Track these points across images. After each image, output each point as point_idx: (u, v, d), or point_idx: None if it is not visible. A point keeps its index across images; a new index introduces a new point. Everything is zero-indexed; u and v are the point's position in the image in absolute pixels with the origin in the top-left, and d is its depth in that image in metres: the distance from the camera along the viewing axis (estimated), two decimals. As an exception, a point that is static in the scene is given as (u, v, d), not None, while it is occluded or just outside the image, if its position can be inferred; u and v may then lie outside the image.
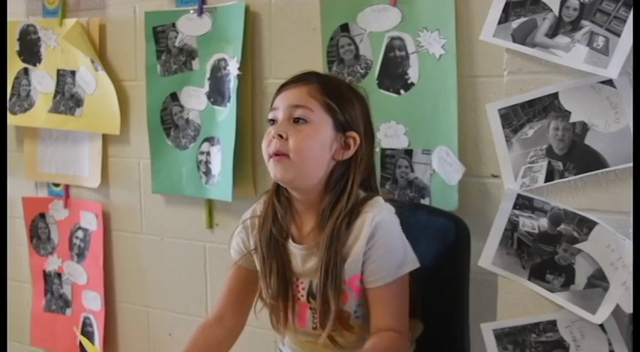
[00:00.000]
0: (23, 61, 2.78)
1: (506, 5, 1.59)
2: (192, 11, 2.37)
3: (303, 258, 1.66)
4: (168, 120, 2.47)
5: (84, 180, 2.74)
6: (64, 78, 2.68)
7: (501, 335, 1.66)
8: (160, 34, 2.45)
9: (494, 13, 1.61)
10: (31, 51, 2.76)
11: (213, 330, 1.75)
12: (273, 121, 1.65)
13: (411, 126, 2.02)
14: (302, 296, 1.67)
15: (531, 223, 1.60)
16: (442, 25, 1.94)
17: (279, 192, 1.71)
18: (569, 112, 1.54)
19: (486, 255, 1.66)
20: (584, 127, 1.53)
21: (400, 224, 1.64)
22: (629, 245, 1.46)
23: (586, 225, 1.53)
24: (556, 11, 1.53)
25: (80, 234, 2.77)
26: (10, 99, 2.81)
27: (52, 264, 2.86)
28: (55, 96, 2.71)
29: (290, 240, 1.68)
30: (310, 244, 1.65)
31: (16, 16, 2.79)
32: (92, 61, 2.59)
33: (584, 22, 1.50)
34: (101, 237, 2.71)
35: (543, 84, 1.56)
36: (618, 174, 1.50)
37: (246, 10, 2.25)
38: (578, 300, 1.55)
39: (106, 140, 2.67)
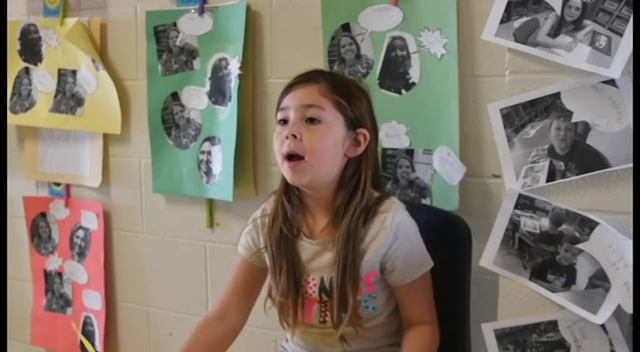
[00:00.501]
0: (24, 60, 2.78)
1: (508, 4, 1.59)
2: (193, 10, 2.37)
3: (316, 254, 1.68)
4: (169, 120, 2.47)
5: (85, 179, 2.74)
6: (65, 77, 2.68)
7: (502, 335, 1.66)
8: (161, 33, 2.44)
9: (496, 13, 1.61)
10: (32, 50, 2.76)
11: (215, 326, 1.76)
12: (283, 121, 1.66)
13: (412, 126, 2.02)
14: (313, 292, 1.69)
15: (533, 223, 1.60)
16: (444, 24, 1.94)
17: (288, 190, 1.72)
18: (571, 112, 1.54)
19: (487, 254, 1.66)
20: (586, 127, 1.52)
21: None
22: (630, 245, 1.46)
23: (587, 225, 1.53)
24: (558, 11, 1.53)
25: (81, 233, 2.77)
26: (11, 98, 2.81)
27: (53, 263, 2.86)
28: (56, 96, 2.71)
29: (302, 236, 1.70)
30: (324, 240, 1.67)
31: (17, 16, 2.79)
32: (93, 61, 2.59)
33: (586, 22, 1.50)
34: (102, 236, 2.71)
35: (545, 83, 1.56)
36: (620, 175, 1.50)
37: (247, 9, 2.25)
38: (580, 300, 1.54)
39: (107, 139, 2.67)
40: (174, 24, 2.41)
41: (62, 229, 2.83)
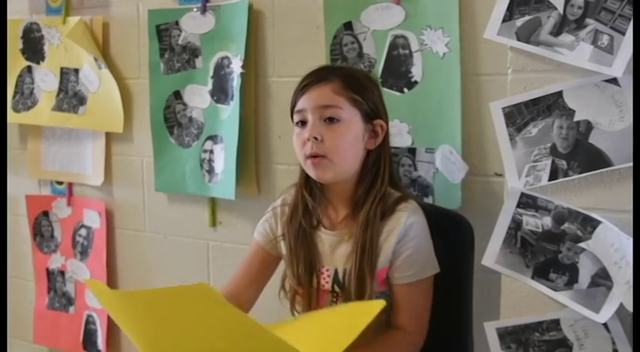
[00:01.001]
0: (27, 59, 2.78)
1: (511, 3, 1.59)
2: (195, 9, 2.37)
3: (333, 245, 1.71)
4: (172, 119, 2.47)
5: (87, 178, 2.74)
6: (68, 76, 2.69)
7: (504, 334, 1.66)
8: (164, 32, 2.44)
9: (498, 11, 1.60)
10: (34, 49, 2.76)
11: None
12: (301, 123, 1.68)
13: (415, 125, 2.02)
14: (327, 282, 1.71)
15: (535, 222, 1.60)
16: (446, 23, 1.94)
17: (309, 183, 1.76)
18: (574, 111, 1.54)
19: (490, 253, 1.66)
20: (589, 126, 1.52)
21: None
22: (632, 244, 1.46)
23: (590, 224, 1.53)
24: (560, 9, 1.53)
25: (83, 231, 2.78)
26: (14, 97, 2.81)
27: (56, 261, 2.86)
28: (58, 94, 2.71)
29: (321, 227, 1.73)
30: (342, 231, 1.70)
31: (20, 14, 2.79)
32: (95, 59, 2.59)
33: (588, 21, 1.50)
34: (104, 235, 2.71)
35: (547, 82, 1.56)
36: (622, 173, 1.50)
37: (250, 8, 2.25)
38: (582, 299, 1.54)
39: (110, 138, 2.67)
40: (177, 23, 2.41)
41: (64, 228, 2.83)
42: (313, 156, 1.64)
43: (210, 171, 2.39)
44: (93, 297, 2.75)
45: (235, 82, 2.28)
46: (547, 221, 1.58)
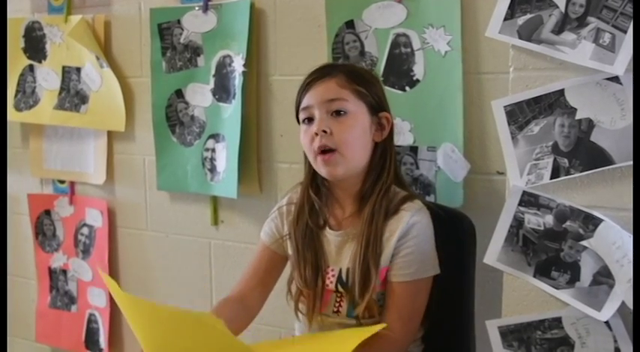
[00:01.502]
0: (28, 57, 2.78)
1: (512, 1, 1.59)
2: (197, 8, 2.37)
3: (339, 245, 1.71)
4: (174, 117, 2.47)
5: (89, 176, 2.74)
6: (70, 74, 2.69)
7: (506, 332, 1.66)
8: (165, 30, 2.45)
9: (500, 10, 1.60)
10: (36, 48, 2.76)
11: (236, 306, 1.76)
12: (308, 120, 1.69)
13: (417, 123, 2.02)
14: (331, 282, 1.71)
15: (537, 220, 1.60)
16: (448, 21, 1.94)
17: (315, 182, 1.76)
18: (575, 109, 1.54)
19: (492, 251, 1.66)
20: (590, 124, 1.52)
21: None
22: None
23: (591, 222, 1.53)
24: (562, 7, 1.53)
25: (85, 230, 2.78)
26: (16, 95, 2.81)
27: (58, 260, 2.86)
28: (60, 93, 2.72)
29: (327, 228, 1.73)
30: (347, 230, 1.71)
31: (22, 13, 2.79)
32: (97, 58, 2.59)
33: (590, 19, 1.50)
34: (106, 233, 2.71)
35: (549, 80, 1.56)
36: (624, 171, 1.50)
37: (252, 6, 2.25)
38: (584, 297, 1.54)
39: (111, 137, 2.67)
40: (179, 21, 2.41)
41: (67, 226, 2.83)
42: (323, 153, 1.64)
43: (212, 169, 2.39)
44: (95, 296, 2.76)
45: (237, 81, 2.28)
46: (549, 219, 1.58)
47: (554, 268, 1.58)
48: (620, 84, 1.48)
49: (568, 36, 1.52)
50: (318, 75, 1.70)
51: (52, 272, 2.89)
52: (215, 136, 2.38)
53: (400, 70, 2.03)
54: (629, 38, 1.45)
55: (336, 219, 1.75)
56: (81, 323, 2.82)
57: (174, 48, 2.44)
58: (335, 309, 1.72)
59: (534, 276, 1.61)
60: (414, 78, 2.01)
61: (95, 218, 2.74)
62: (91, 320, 2.80)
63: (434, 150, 1.99)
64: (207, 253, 2.52)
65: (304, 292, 1.74)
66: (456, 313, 1.78)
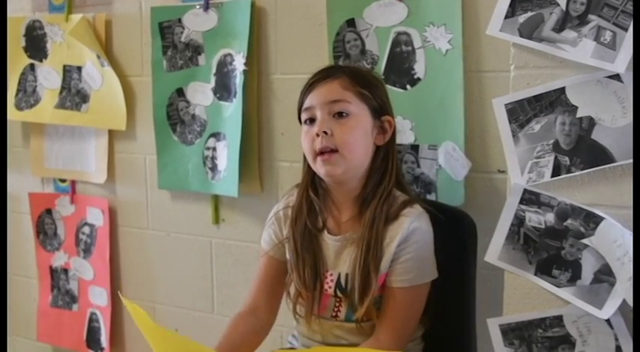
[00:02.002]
0: (29, 56, 2.79)
1: (513, 0, 1.59)
2: (198, 6, 2.37)
3: (337, 250, 1.71)
4: (175, 116, 2.47)
5: (90, 175, 2.74)
6: (70, 73, 2.69)
7: (508, 331, 1.66)
8: (166, 29, 2.45)
9: (500, 8, 1.60)
10: (37, 46, 2.76)
11: (250, 320, 1.76)
12: (310, 121, 1.68)
13: (418, 122, 2.02)
14: (330, 287, 1.71)
15: (538, 218, 1.60)
16: (449, 19, 1.94)
17: (313, 184, 1.75)
18: (576, 107, 1.54)
19: (493, 250, 1.66)
20: (591, 122, 1.52)
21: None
22: (636, 240, 1.46)
23: (593, 220, 1.53)
24: (563, 5, 1.53)
25: (86, 229, 2.78)
26: (17, 95, 2.81)
27: (59, 259, 2.86)
28: (61, 92, 2.72)
29: (325, 232, 1.72)
30: (346, 234, 1.70)
31: (22, 12, 2.80)
32: (98, 57, 2.59)
33: (591, 17, 1.50)
34: (107, 232, 2.71)
35: (550, 79, 1.56)
36: (625, 169, 1.50)
37: (252, 5, 2.25)
38: (585, 295, 1.54)
39: (112, 136, 2.67)
40: (179, 20, 2.41)
41: (68, 225, 2.83)
42: (323, 153, 1.64)
43: (213, 168, 2.39)
44: (96, 295, 2.77)
45: (238, 79, 2.28)
46: (550, 217, 1.58)
47: (556, 266, 1.58)
48: (621, 82, 1.48)
49: (569, 34, 1.52)
50: (322, 76, 1.70)
51: (53, 271, 2.89)
52: (216, 135, 2.38)
53: (401, 68, 2.03)
54: (629, 36, 1.45)
55: (335, 222, 1.74)
56: (82, 322, 2.82)
57: (175, 47, 2.44)
58: (334, 314, 1.72)
59: (535, 274, 1.61)
60: (415, 76, 2.01)
61: (96, 217, 2.74)
62: (93, 319, 2.80)
63: (435, 149, 1.99)
64: (208, 252, 2.52)
65: (303, 294, 1.74)
66: (457, 311, 1.78)
